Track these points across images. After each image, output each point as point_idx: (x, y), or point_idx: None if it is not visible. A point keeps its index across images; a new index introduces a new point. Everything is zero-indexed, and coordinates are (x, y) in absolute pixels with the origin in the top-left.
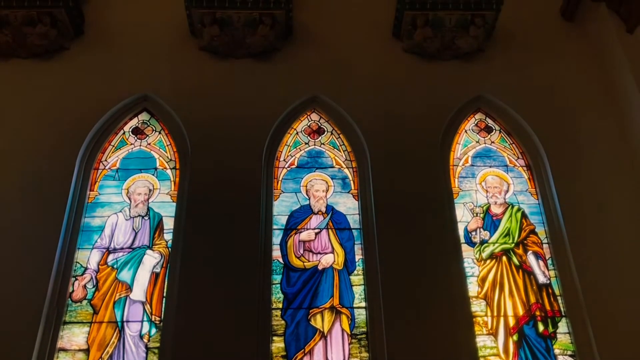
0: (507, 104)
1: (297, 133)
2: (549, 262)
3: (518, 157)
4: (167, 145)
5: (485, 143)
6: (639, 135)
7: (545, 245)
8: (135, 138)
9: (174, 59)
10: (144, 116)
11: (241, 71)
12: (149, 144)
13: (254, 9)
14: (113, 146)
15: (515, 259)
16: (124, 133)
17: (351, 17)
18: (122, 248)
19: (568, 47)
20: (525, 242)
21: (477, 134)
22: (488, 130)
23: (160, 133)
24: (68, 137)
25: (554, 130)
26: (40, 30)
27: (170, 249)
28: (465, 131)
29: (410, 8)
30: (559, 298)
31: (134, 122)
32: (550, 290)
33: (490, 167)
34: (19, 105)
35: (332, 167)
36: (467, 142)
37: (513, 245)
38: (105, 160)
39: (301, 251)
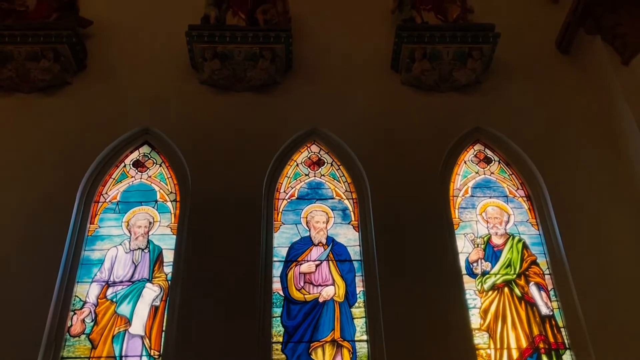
0: (505, 135)
1: (297, 165)
2: (552, 293)
3: (518, 188)
4: (168, 178)
5: (484, 174)
6: (637, 165)
7: (547, 276)
8: (136, 171)
9: (175, 92)
10: (145, 149)
11: (241, 104)
12: (150, 176)
13: (255, 43)
14: (114, 179)
15: (517, 290)
16: (124, 166)
17: (350, 51)
18: (121, 281)
19: (565, 78)
20: (526, 273)
21: (477, 164)
22: (487, 161)
23: (161, 166)
24: (69, 170)
25: (553, 160)
26: (44, 66)
27: (170, 282)
28: (465, 162)
29: (408, 41)
30: (562, 330)
31: (135, 155)
32: (553, 322)
33: (490, 197)
34: (21, 139)
35: (332, 198)
36: (466, 173)
37: (515, 276)
38: (106, 193)
39: (302, 283)
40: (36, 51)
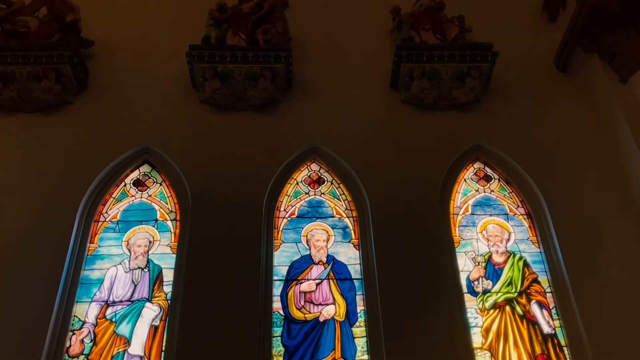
0: (505, 153)
1: (297, 183)
2: (553, 311)
3: (518, 206)
4: (168, 197)
5: (484, 192)
6: (636, 181)
7: (548, 294)
8: (136, 190)
9: (175, 111)
10: (145, 168)
11: (242, 123)
12: (150, 195)
13: (255, 63)
14: (114, 198)
15: (518, 309)
16: (125, 185)
17: (349, 70)
18: (121, 301)
19: (563, 96)
20: (528, 291)
21: (477, 182)
22: (487, 179)
23: (161, 185)
24: (69, 190)
25: (553, 178)
26: (45, 86)
27: (169, 302)
28: (465, 180)
29: (407, 61)
30: (565, 349)
31: (135, 174)
32: (555, 341)
33: (491, 215)
34: (22, 158)
35: (333, 216)
36: (466, 191)
37: (516, 294)
38: (106, 212)
39: (302, 302)
40: (38, 71)
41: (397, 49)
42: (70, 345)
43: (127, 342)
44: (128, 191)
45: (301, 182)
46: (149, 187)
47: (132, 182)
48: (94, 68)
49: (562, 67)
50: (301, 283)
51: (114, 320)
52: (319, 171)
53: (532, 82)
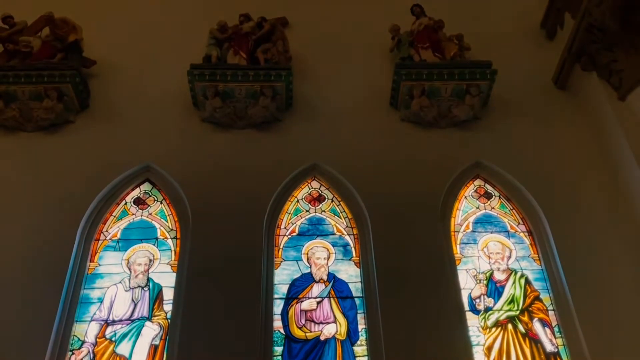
0: (505, 170)
1: (297, 201)
2: (556, 329)
3: (519, 223)
4: (169, 215)
5: (485, 209)
6: (637, 198)
7: (551, 312)
8: (137, 208)
9: (176, 130)
10: (146, 186)
11: (242, 141)
12: (151, 214)
13: (255, 81)
14: (114, 217)
15: (521, 327)
16: (125, 203)
17: (349, 88)
18: (120, 320)
19: (562, 114)
20: (530, 309)
21: (477, 199)
22: (488, 196)
23: (161, 203)
24: (70, 209)
25: (553, 195)
26: (47, 105)
27: (169, 321)
28: (465, 197)
29: (407, 79)
30: None
31: (136, 193)
32: (558, 359)
33: (492, 233)
34: (23, 177)
35: (333, 234)
36: (467, 208)
37: (518, 312)
38: (107, 230)
39: (303, 321)
40: (40, 91)
41: (397, 67)
42: None
43: None
44: (129, 209)
45: (302, 199)
46: (149, 205)
47: (132, 200)
48: (96, 87)
49: (561, 84)
50: (302, 301)
51: (113, 339)
52: (319, 189)
53: (531, 100)
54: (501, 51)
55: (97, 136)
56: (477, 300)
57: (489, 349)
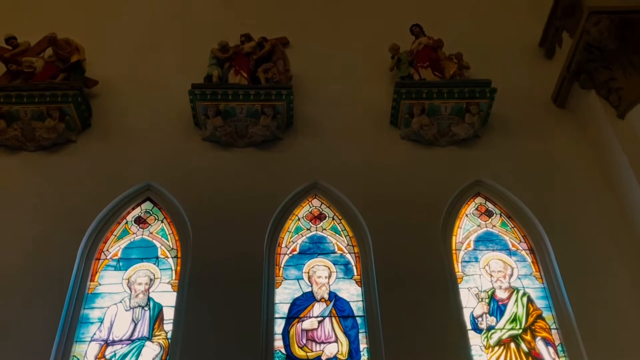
0: (505, 188)
1: (298, 219)
2: (559, 348)
3: (520, 241)
4: (169, 234)
5: (486, 227)
6: (638, 215)
7: (554, 331)
8: (138, 227)
9: (177, 149)
10: (147, 205)
11: (243, 160)
12: (151, 233)
13: (256, 100)
14: (115, 236)
15: (523, 346)
16: (126, 222)
17: (350, 107)
18: (120, 340)
19: (562, 132)
20: (533, 327)
21: (478, 217)
22: (489, 214)
23: (162, 222)
24: (70, 228)
25: (554, 212)
26: (49, 125)
27: (170, 341)
28: (466, 215)
29: (407, 97)
30: None
31: (137, 212)
32: None
33: (493, 250)
34: (24, 196)
35: (334, 252)
36: (468, 226)
37: (521, 331)
38: (107, 250)
39: (304, 341)
40: (42, 110)
41: (397, 86)
42: None
43: None
44: (129, 228)
45: (302, 218)
46: (150, 224)
47: (133, 219)
48: (97, 107)
49: (560, 103)
50: (303, 321)
51: None
52: (320, 207)
53: (531, 118)
54: (500, 70)
55: (98, 155)
56: (480, 319)
57: None
